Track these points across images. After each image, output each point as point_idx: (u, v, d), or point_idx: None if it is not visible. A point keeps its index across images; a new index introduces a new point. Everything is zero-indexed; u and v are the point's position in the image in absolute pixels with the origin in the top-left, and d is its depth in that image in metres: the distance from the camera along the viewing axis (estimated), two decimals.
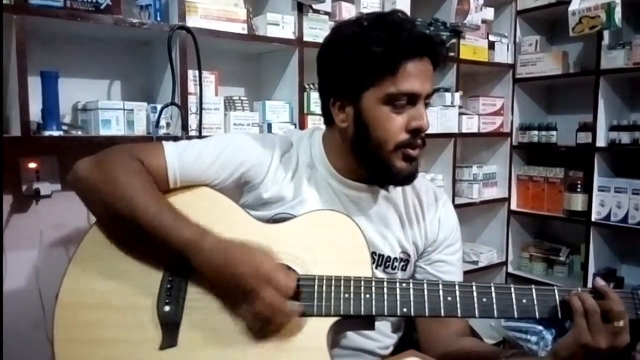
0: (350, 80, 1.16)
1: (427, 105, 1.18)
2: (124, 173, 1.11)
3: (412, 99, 1.14)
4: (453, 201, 2.90)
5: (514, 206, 3.27)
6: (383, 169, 1.18)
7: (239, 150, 1.23)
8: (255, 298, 0.99)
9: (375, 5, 2.45)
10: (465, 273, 2.95)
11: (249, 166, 1.22)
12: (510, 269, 3.29)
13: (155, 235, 1.05)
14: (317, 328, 1.04)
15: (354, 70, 1.14)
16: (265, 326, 1.01)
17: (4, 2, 1.56)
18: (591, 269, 2.87)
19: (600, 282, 1.06)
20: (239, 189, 1.24)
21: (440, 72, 2.83)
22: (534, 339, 2.79)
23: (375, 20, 1.16)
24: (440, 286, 1.08)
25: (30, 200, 1.84)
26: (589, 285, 2.79)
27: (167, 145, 1.20)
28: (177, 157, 1.18)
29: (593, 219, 2.84)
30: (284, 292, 1.00)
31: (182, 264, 1.05)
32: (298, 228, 1.16)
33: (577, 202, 2.89)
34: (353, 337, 1.24)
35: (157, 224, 1.05)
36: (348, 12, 2.36)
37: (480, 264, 3.12)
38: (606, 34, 2.72)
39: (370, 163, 1.20)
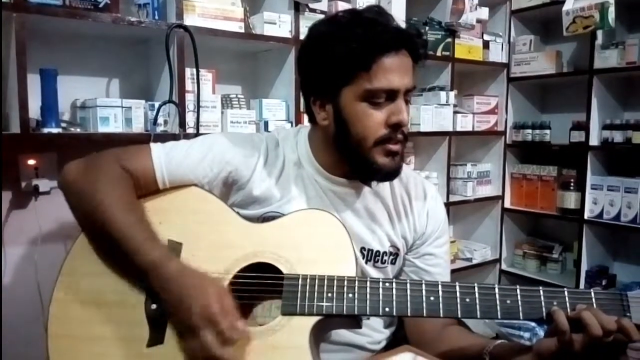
0: (327, 79, 1.16)
1: (407, 100, 1.17)
2: (105, 181, 1.11)
3: (391, 94, 1.13)
4: (447, 199, 2.93)
5: (507, 204, 3.30)
6: (365, 165, 1.17)
7: (225, 149, 1.23)
8: (194, 336, 0.97)
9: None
10: (459, 270, 3.02)
11: (236, 165, 1.22)
12: (503, 266, 3.32)
13: (124, 250, 1.05)
14: (300, 327, 1.04)
15: (330, 68, 1.14)
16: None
17: (5, 0, 1.57)
18: (584, 267, 2.90)
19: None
20: (227, 188, 1.24)
21: (435, 70, 2.86)
22: (527, 335, 2.82)
23: (351, 18, 1.16)
24: (424, 286, 1.06)
25: (30, 197, 1.85)
26: (581, 284, 2.84)
27: (154, 147, 1.21)
28: (164, 158, 1.19)
29: (586, 217, 2.87)
30: (224, 339, 0.96)
31: (145, 282, 1.05)
32: (284, 227, 1.16)
33: (570, 200, 2.93)
34: (342, 332, 1.23)
35: (125, 241, 1.05)
36: None
37: (474, 261, 3.16)
38: (600, 33, 2.75)
39: (353, 159, 1.19)
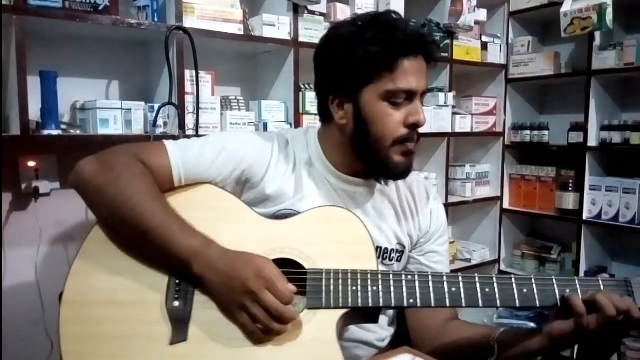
0: (349, 78, 1.19)
1: (422, 102, 1.22)
2: (129, 176, 1.12)
3: (410, 95, 1.18)
4: (446, 200, 2.94)
5: (506, 205, 3.30)
6: (381, 163, 1.21)
7: (238, 148, 1.25)
8: (255, 300, 1.01)
9: (369, 7, 2.48)
10: (459, 270, 3.02)
11: (250, 163, 1.24)
12: (502, 267, 3.33)
13: (160, 242, 1.06)
14: (327, 320, 1.06)
15: (352, 68, 1.17)
16: (271, 321, 1.02)
17: (4, 2, 1.58)
18: (582, 267, 2.91)
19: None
20: (239, 187, 1.26)
21: (433, 72, 2.87)
22: None
23: (371, 21, 1.19)
24: (445, 277, 1.11)
25: (30, 199, 1.86)
26: None
27: (170, 145, 1.22)
28: (180, 156, 1.20)
29: (584, 218, 2.87)
30: (282, 297, 1.01)
31: (185, 271, 1.06)
32: (303, 224, 1.18)
33: (568, 200, 2.93)
34: (353, 330, 1.26)
35: (163, 231, 1.06)
36: (343, 13, 2.39)
37: (473, 262, 3.16)
38: (597, 35, 2.76)
39: (369, 158, 1.23)
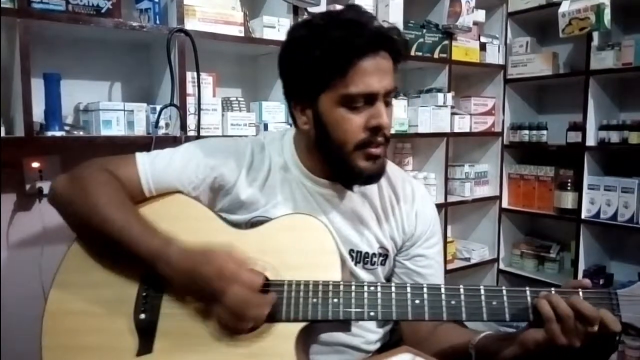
0: (305, 84, 1.14)
1: (388, 102, 1.14)
2: (94, 185, 1.13)
3: (369, 98, 1.10)
4: (445, 199, 2.95)
5: (505, 204, 3.32)
6: (346, 169, 1.17)
7: (209, 155, 1.23)
8: (223, 297, 1.00)
9: (368, 8, 2.48)
10: (458, 270, 3.05)
11: (221, 171, 1.22)
12: (501, 266, 3.35)
13: (124, 245, 1.07)
14: (286, 333, 1.04)
15: (306, 73, 1.12)
16: (238, 322, 1.02)
17: (9, 6, 1.60)
18: (581, 266, 2.93)
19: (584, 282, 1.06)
20: (214, 194, 1.24)
21: (433, 72, 2.89)
22: None
23: (329, 20, 1.13)
24: (409, 289, 1.06)
25: (34, 199, 1.88)
26: None
27: (139, 156, 1.22)
28: (149, 165, 1.20)
29: (583, 217, 2.89)
30: (250, 287, 1.01)
31: (152, 272, 1.07)
32: (269, 233, 1.16)
33: (567, 200, 2.95)
34: (335, 333, 1.22)
35: (125, 234, 1.06)
36: None
37: (472, 261, 3.19)
38: (596, 35, 2.78)
39: (334, 163, 1.19)
